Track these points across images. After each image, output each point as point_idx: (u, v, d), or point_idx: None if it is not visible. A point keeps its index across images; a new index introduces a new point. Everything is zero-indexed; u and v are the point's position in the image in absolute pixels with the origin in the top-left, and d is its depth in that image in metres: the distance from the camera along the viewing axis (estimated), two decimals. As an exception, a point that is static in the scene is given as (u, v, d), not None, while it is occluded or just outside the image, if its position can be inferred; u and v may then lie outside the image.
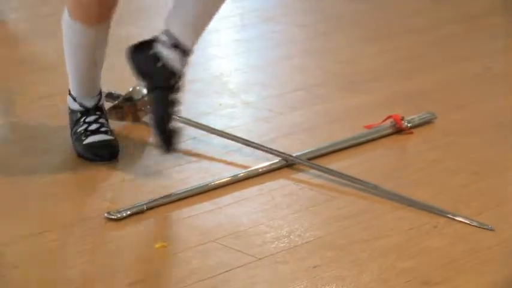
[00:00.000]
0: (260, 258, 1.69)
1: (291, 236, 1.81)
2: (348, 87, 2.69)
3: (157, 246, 1.70)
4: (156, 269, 1.66)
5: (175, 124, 2.17)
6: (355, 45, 3.27)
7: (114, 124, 2.26)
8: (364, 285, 1.64)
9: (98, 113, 2.25)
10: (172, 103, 2.14)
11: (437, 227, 1.81)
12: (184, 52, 2.11)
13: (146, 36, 3.28)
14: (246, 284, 1.61)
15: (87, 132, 2.22)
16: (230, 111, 2.42)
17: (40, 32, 3.58)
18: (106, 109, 2.33)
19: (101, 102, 2.29)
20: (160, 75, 2.17)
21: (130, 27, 3.53)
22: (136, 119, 2.25)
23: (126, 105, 2.23)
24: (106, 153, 2.17)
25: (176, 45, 2.13)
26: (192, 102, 2.44)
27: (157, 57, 2.14)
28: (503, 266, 1.72)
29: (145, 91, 2.28)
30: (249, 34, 3.47)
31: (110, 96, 2.25)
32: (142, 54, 2.19)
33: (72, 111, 2.27)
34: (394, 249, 1.77)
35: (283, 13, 4.02)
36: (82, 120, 2.26)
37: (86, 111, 2.25)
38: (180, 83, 2.14)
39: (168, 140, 2.16)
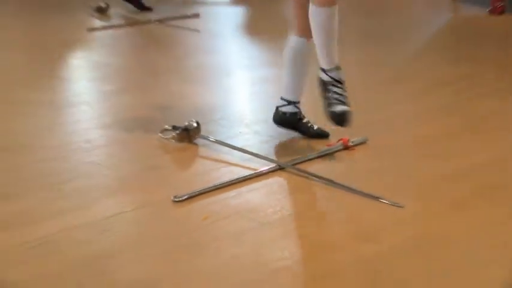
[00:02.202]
0: (264, 224, 1.71)
1: (283, 211, 1.81)
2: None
3: (203, 218, 1.72)
4: (200, 234, 1.66)
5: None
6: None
7: (177, 144, 2.21)
8: (322, 240, 1.68)
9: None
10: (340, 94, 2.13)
11: (368, 205, 1.80)
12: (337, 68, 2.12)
13: (214, 65, 3.42)
14: (256, 241, 1.63)
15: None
16: (246, 137, 2.37)
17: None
18: (172, 136, 2.24)
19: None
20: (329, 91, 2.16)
21: (200, 57, 3.50)
22: (190, 141, 2.21)
23: (184, 133, 2.21)
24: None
25: (329, 71, 2.11)
26: (222, 131, 2.38)
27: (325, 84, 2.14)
28: (408, 233, 1.66)
29: (195, 124, 2.24)
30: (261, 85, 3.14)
31: (174, 127, 2.23)
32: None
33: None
34: (342, 219, 1.80)
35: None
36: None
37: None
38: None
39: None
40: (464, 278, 1.44)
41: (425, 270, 1.46)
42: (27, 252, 1.50)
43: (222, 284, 1.39)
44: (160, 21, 3.97)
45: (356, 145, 2.19)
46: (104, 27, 3.91)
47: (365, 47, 3.70)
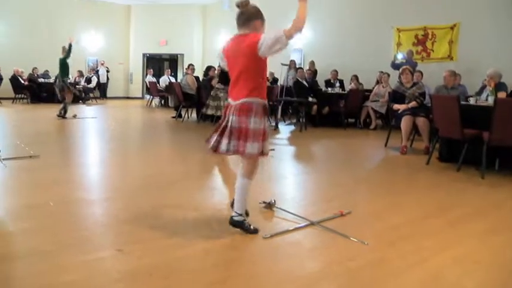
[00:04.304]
0: (304, 252, 1.87)
1: (312, 243, 2.02)
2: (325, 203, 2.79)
3: (267, 237, 1.93)
4: (273, 251, 1.87)
5: None
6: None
7: (265, 209, 2.45)
8: (331, 254, 1.82)
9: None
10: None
11: (350, 242, 1.97)
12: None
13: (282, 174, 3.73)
14: (295, 254, 1.82)
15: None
16: (295, 206, 2.58)
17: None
18: (264, 206, 2.46)
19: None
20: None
21: (276, 181, 3.61)
22: (271, 208, 2.49)
23: (269, 204, 2.46)
24: None
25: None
26: (285, 205, 2.56)
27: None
28: (370, 256, 1.80)
29: (273, 200, 2.48)
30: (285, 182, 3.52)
31: (264, 202, 2.52)
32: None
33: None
34: (338, 246, 1.95)
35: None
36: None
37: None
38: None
39: None
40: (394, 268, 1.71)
41: (383, 270, 1.75)
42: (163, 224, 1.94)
43: (280, 278, 1.60)
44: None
45: (346, 213, 2.51)
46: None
47: (344, 167, 4.23)
